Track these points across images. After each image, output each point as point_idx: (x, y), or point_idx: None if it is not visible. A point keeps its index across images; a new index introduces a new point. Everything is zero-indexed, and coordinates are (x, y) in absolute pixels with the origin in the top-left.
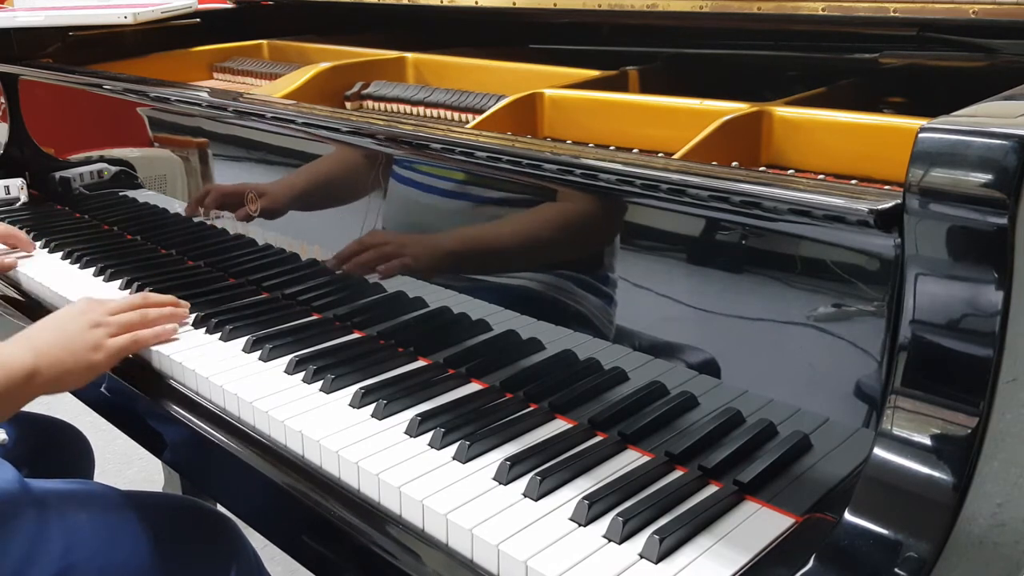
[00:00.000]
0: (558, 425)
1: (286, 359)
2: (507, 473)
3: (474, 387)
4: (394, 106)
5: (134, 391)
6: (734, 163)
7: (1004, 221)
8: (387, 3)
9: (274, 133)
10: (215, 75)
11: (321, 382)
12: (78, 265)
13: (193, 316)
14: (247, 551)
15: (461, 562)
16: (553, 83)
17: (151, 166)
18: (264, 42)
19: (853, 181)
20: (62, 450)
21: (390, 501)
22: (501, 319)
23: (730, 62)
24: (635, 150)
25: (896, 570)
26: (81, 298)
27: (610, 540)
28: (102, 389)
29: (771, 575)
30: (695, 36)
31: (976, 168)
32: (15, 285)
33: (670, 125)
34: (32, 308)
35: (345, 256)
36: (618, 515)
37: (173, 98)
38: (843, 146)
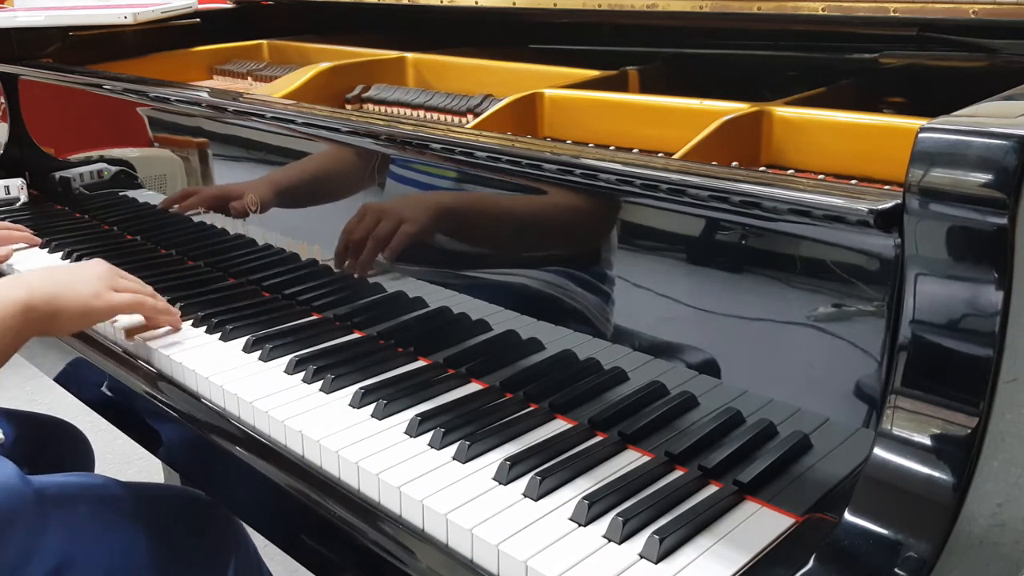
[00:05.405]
0: (558, 425)
1: (286, 359)
2: (507, 473)
3: (474, 387)
4: (394, 109)
5: (134, 391)
6: (734, 163)
7: (1004, 221)
8: (387, 3)
9: (274, 133)
10: (215, 75)
11: (321, 382)
12: None
13: (193, 316)
14: (247, 543)
15: (461, 562)
16: (553, 83)
17: (151, 166)
18: (264, 42)
19: (853, 181)
20: (62, 449)
21: (390, 501)
22: (501, 319)
23: (730, 62)
24: (635, 150)
25: (896, 570)
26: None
27: (610, 540)
28: (102, 389)
29: (771, 575)
30: (695, 36)
31: (976, 168)
32: None
33: (670, 125)
34: None
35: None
36: (618, 515)
37: (173, 98)
38: (843, 146)
